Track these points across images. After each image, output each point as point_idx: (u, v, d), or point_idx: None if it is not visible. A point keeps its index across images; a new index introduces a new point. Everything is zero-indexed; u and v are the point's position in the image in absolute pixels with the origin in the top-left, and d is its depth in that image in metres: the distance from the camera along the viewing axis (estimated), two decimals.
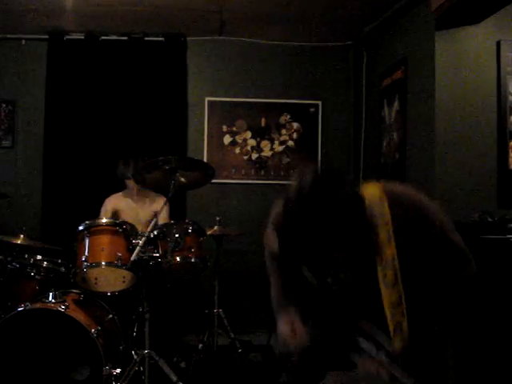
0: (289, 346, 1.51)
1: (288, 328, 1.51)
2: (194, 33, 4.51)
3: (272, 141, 4.65)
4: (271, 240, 1.58)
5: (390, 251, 1.37)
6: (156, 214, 2.81)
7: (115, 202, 3.73)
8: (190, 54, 4.58)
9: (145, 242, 2.71)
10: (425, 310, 1.44)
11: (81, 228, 2.90)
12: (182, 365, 3.05)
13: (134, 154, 3.68)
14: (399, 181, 3.55)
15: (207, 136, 4.62)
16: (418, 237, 1.40)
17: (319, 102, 4.64)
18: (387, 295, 1.38)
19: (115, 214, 3.66)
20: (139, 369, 2.78)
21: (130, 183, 3.59)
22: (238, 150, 4.64)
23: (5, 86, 4.53)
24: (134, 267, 2.77)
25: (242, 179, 4.61)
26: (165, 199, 3.45)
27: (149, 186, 3.45)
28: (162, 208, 2.88)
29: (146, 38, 4.50)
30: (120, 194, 3.77)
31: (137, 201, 3.70)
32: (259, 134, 4.65)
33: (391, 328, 1.38)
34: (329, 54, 4.66)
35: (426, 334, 1.42)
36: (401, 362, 1.38)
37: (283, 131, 4.64)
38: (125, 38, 4.49)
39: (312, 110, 4.63)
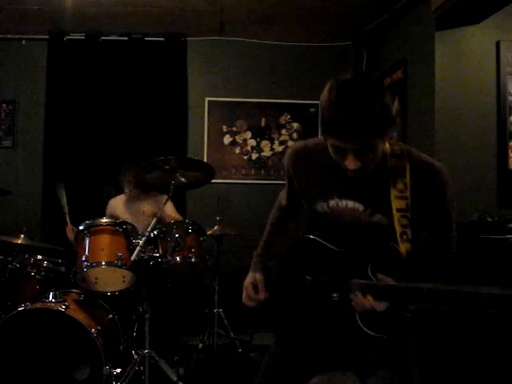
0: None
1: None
2: (194, 33, 4.51)
3: (272, 141, 4.66)
4: (282, 194, 1.81)
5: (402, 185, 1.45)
6: (157, 214, 2.81)
7: (114, 206, 3.71)
8: (189, 53, 4.58)
9: (145, 242, 2.71)
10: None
11: (81, 228, 2.90)
12: (181, 371, 3.04)
13: (131, 161, 3.64)
14: None
15: (207, 136, 4.62)
16: (428, 195, 1.46)
17: (319, 102, 4.63)
18: (395, 201, 1.43)
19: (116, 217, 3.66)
20: (139, 369, 2.78)
21: (127, 190, 3.60)
22: (237, 150, 4.64)
23: (5, 86, 4.53)
24: (134, 267, 2.77)
25: (241, 179, 4.62)
26: (164, 196, 3.45)
27: (148, 189, 3.47)
28: (162, 207, 2.88)
29: (146, 38, 4.51)
30: (121, 196, 3.74)
31: (137, 204, 3.66)
32: (259, 134, 4.65)
33: (398, 231, 1.42)
34: (329, 54, 4.66)
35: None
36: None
37: (283, 131, 4.65)
38: (125, 38, 4.49)
39: (312, 109, 4.63)
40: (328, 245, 1.58)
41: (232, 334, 3.55)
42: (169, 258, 2.91)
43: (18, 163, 4.52)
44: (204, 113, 4.61)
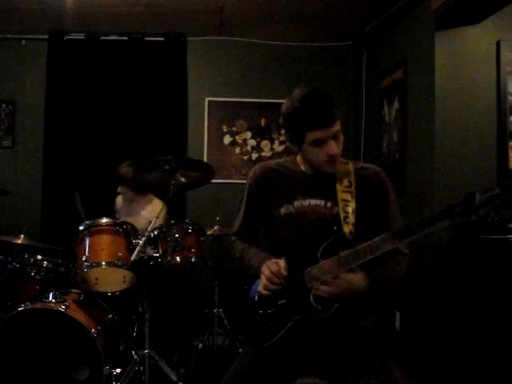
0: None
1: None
2: (194, 33, 4.51)
3: (272, 141, 4.66)
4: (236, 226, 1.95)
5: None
6: (155, 219, 2.81)
7: (118, 204, 3.73)
8: (189, 53, 4.58)
9: (145, 242, 2.71)
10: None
11: (81, 228, 2.90)
12: (182, 371, 3.04)
13: (131, 158, 3.64)
14: (399, 181, 3.54)
15: (207, 136, 4.62)
16: (371, 198, 1.75)
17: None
18: (340, 193, 1.73)
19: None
20: (139, 369, 2.78)
21: (123, 191, 3.59)
22: (237, 150, 4.64)
23: (5, 86, 4.53)
24: (134, 267, 2.77)
25: (242, 179, 4.61)
26: (160, 202, 3.44)
27: (145, 191, 3.46)
28: (159, 212, 2.87)
29: (146, 38, 4.51)
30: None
31: (133, 205, 3.66)
32: (259, 134, 4.65)
33: (342, 216, 1.69)
34: (329, 54, 4.66)
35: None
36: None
37: (283, 131, 4.64)
38: (125, 38, 4.49)
39: None
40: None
41: (232, 334, 3.55)
42: (169, 257, 2.91)
43: (18, 163, 4.52)
44: (204, 113, 4.62)
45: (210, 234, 3.46)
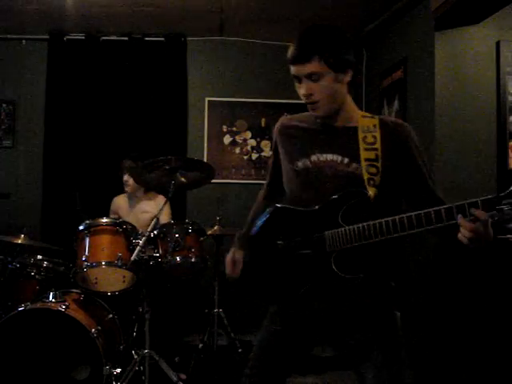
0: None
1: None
2: (194, 33, 4.51)
3: (272, 141, 4.65)
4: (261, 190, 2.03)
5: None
6: (156, 214, 2.81)
7: (117, 204, 3.75)
8: (189, 54, 4.58)
9: (145, 242, 2.71)
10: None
11: (81, 228, 2.90)
12: (183, 376, 3.03)
13: (135, 152, 3.69)
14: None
15: (207, 136, 4.62)
16: (397, 155, 1.62)
17: None
18: (364, 152, 1.61)
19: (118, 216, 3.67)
20: (139, 369, 2.78)
21: (127, 181, 3.60)
22: (237, 150, 4.64)
23: (5, 86, 4.53)
24: (134, 267, 2.77)
25: (242, 179, 4.61)
26: (164, 198, 3.45)
27: (147, 185, 3.47)
28: (162, 208, 2.88)
29: (146, 38, 4.51)
30: (123, 194, 3.77)
31: (136, 201, 3.70)
32: (259, 134, 4.65)
33: (366, 177, 1.58)
34: None
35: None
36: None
37: None
38: (125, 38, 4.49)
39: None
40: (297, 208, 1.68)
41: (232, 334, 3.55)
42: (169, 258, 2.91)
43: (18, 163, 4.52)
44: (204, 113, 4.62)
45: (209, 234, 3.46)
